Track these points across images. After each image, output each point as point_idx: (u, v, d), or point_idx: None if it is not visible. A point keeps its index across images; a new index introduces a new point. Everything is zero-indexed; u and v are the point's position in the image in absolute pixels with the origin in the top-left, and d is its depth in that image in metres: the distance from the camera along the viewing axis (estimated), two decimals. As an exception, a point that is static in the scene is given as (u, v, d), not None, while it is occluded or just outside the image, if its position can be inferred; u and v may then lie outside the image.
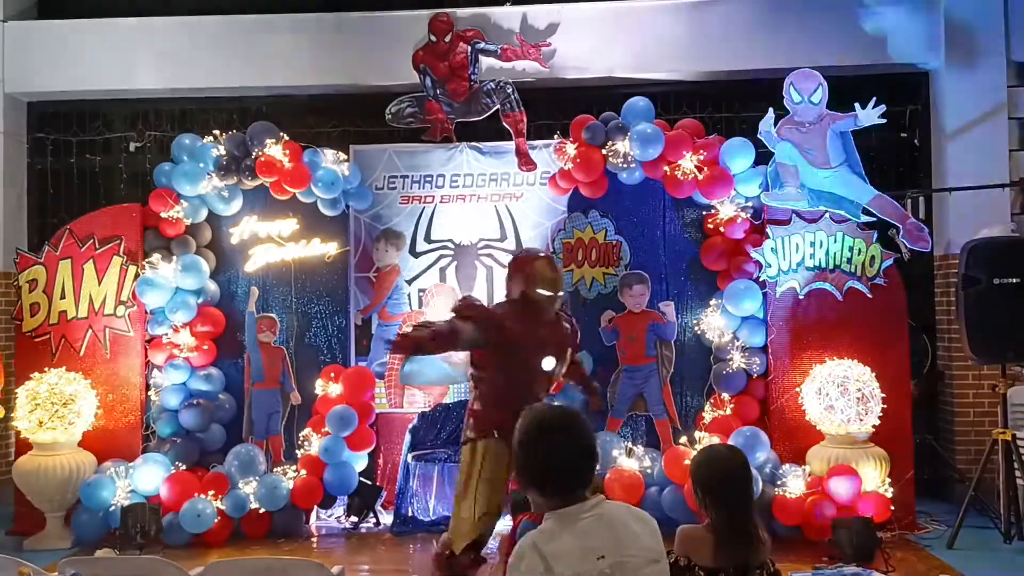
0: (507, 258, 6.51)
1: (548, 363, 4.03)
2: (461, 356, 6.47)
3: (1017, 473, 5.44)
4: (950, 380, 6.53)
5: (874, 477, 5.48)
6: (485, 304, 4.38)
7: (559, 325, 4.22)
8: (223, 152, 6.31)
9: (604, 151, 6.16)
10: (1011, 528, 5.40)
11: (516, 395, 3.85)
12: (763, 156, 6.10)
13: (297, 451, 6.15)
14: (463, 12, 6.70)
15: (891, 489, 5.51)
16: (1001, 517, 5.47)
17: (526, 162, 6.49)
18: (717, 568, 2.64)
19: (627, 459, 5.83)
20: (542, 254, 4.45)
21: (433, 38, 6.55)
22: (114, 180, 7.22)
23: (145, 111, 7.20)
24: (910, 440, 5.89)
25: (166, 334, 6.26)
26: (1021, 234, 6.16)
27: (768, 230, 5.98)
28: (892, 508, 5.47)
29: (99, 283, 6.26)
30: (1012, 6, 6.50)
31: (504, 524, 4.44)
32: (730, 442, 5.61)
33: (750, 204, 6.12)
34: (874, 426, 5.60)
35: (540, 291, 4.04)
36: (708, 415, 6.02)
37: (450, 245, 6.64)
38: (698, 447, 5.68)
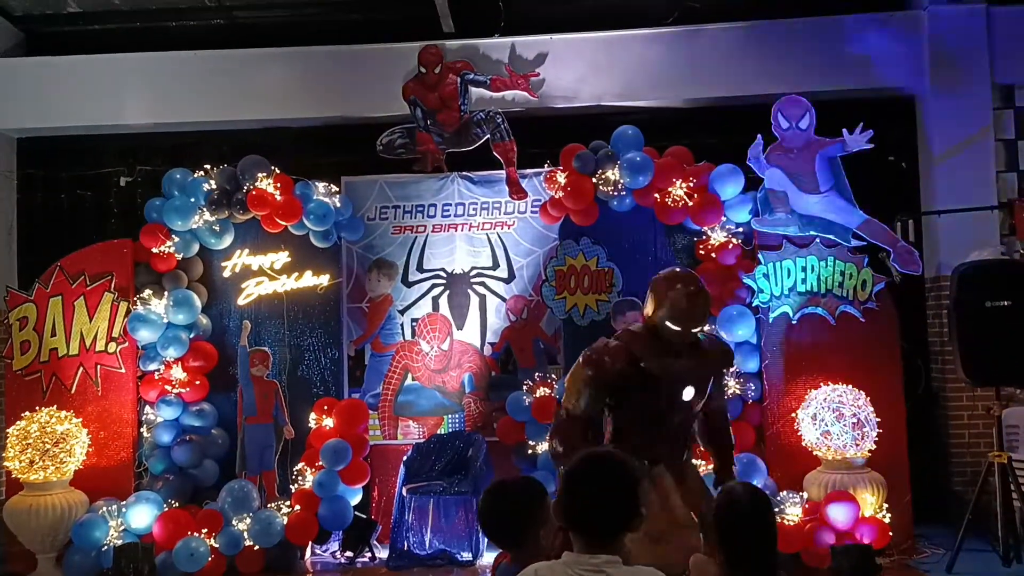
0: (499, 286, 6.59)
1: (687, 393, 3.70)
2: (456, 385, 6.51)
3: (1014, 495, 5.43)
4: (944, 402, 6.53)
5: (872, 502, 5.47)
6: (603, 346, 3.78)
7: (697, 351, 3.76)
8: (214, 186, 6.31)
9: (594, 179, 6.19)
10: (1010, 551, 5.38)
11: (645, 431, 3.65)
12: (753, 182, 6.13)
13: (291, 486, 6.10)
14: (452, 44, 6.74)
15: (889, 514, 5.49)
16: (999, 540, 5.45)
17: (517, 191, 6.51)
18: None
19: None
20: (684, 279, 3.70)
21: (423, 70, 6.58)
22: (105, 216, 7.20)
23: (135, 146, 7.20)
24: (906, 464, 5.88)
25: (158, 370, 6.22)
26: (1010, 256, 6.19)
27: (759, 256, 6.00)
28: (890, 533, 5.45)
29: (90, 320, 6.23)
30: (995, 29, 6.57)
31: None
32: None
33: (741, 230, 6.15)
34: (870, 450, 5.59)
35: (669, 324, 3.61)
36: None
37: (442, 274, 6.63)
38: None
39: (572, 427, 3.71)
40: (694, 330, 3.65)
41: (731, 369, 3.94)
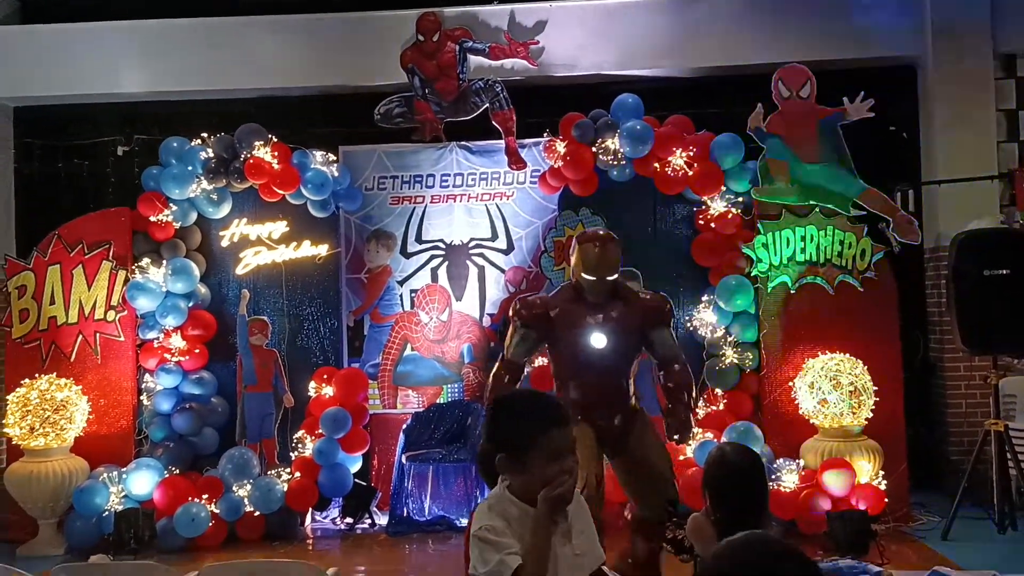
0: (498, 257, 6.58)
1: (597, 340, 4.05)
2: (455, 355, 6.52)
3: (1010, 463, 5.46)
4: (941, 372, 6.55)
5: (868, 470, 5.50)
6: (537, 298, 4.41)
7: (619, 304, 4.17)
8: (211, 155, 6.29)
9: (594, 149, 6.16)
10: (1005, 519, 5.42)
11: (583, 378, 4.06)
12: (753, 151, 6.11)
13: (291, 453, 6.14)
14: (451, 11, 6.67)
15: (885, 481, 5.53)
16: (995, 507, 5.49)
17: (516, 161, 6.48)
18: None
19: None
20: (597, 234, 4.29)
21: (421, 37, 6.53)
22: (102, 184, 7.15)
23: (132, 115, 7.15)
24: (903, 432, 5.91)
25: (157, 338, 6.23)
26: (1010, 225, 6.18)
27: (759, 225, 5.99)
28: (886, 500, 5.49)
29: (89, 288, 6.23)
30: (997, -2, 6.53)
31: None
32: (724, 438, 5.63)
33: (740, 199, 6.13)
34: (867, 419, 5.62)
35: (585, 275, 4.09)
36: (701, 411, 6.03)
37: (441, 245, 6.62)
38: (692, 443, 5.70)
39: (499, 370, 4.24)
40: (608, 278, 4.10)
41: (671, 321, 4.29)
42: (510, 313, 4.30)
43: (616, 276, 4.16)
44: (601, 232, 4.36)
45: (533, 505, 2.03)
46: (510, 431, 2.10)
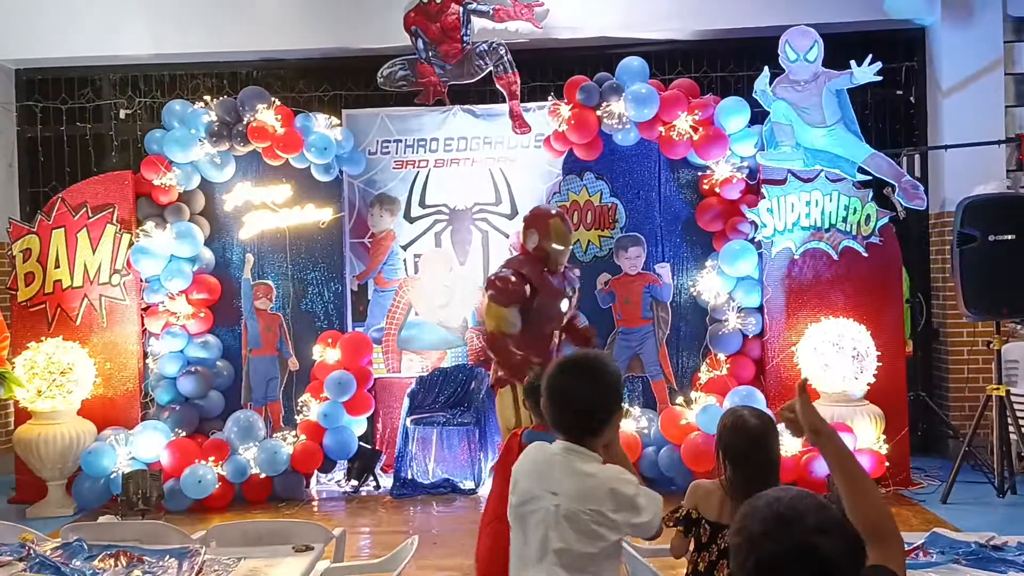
0: (502, 222, 6.57)
1: (564, 305, 4.58)
2: (459, 320, 6.54)
3: (1010, 428, 5.48)
4: (944, 337, 6.56)
5: (869, 434, 5.53)
6: (507, 273, 4.79)
7: (567, 272, 4.88)
8: (214, 118, 6.25)
9: (599, 112, 6.12)
10: (1004, 482, 5.47)
11: (539, 339, 4.53)
12: (758, 115, 6.07)
13: (296, 416, 6.19)
14: (454, -28, 6.58)
15: (886, 446, 5.56)
16: (995, 472, 5.52)
17: (520, 124, 6.44)
18: (724, 524, 2.64)
19: (624, 420, 5.87)
20: (555, 211, 4.98)
21: (424, -1, 6.46)
22: (105, 148, 7.15)
23: (134, 77, 7.11)
24: (905, 397, 5.94)
25: (162, 302, 6.26)
26: (1016, 191, 6.15)
27: (763, 190, 5.97)
28: (887, 464, 5.52)
29: (93, 252, 6.24)
30: (1009, -40, 6.43)
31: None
32: (726, 402, 5.66)
33: (746, 164, 6.10)
34: (869, 384, 5.63)
35: (554, 246, 4.55)
36: (704, 375, 6.06)
37: (445, 210, 6.61)
38: (695, 407, 5.74)
39: (515, 353, 4.67)
40: (570, 247, 4.76)
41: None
42: (487, 295, 4.68)
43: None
44: (555, 210, 5.27)
45: None
46: (618, 390, 2.36)
